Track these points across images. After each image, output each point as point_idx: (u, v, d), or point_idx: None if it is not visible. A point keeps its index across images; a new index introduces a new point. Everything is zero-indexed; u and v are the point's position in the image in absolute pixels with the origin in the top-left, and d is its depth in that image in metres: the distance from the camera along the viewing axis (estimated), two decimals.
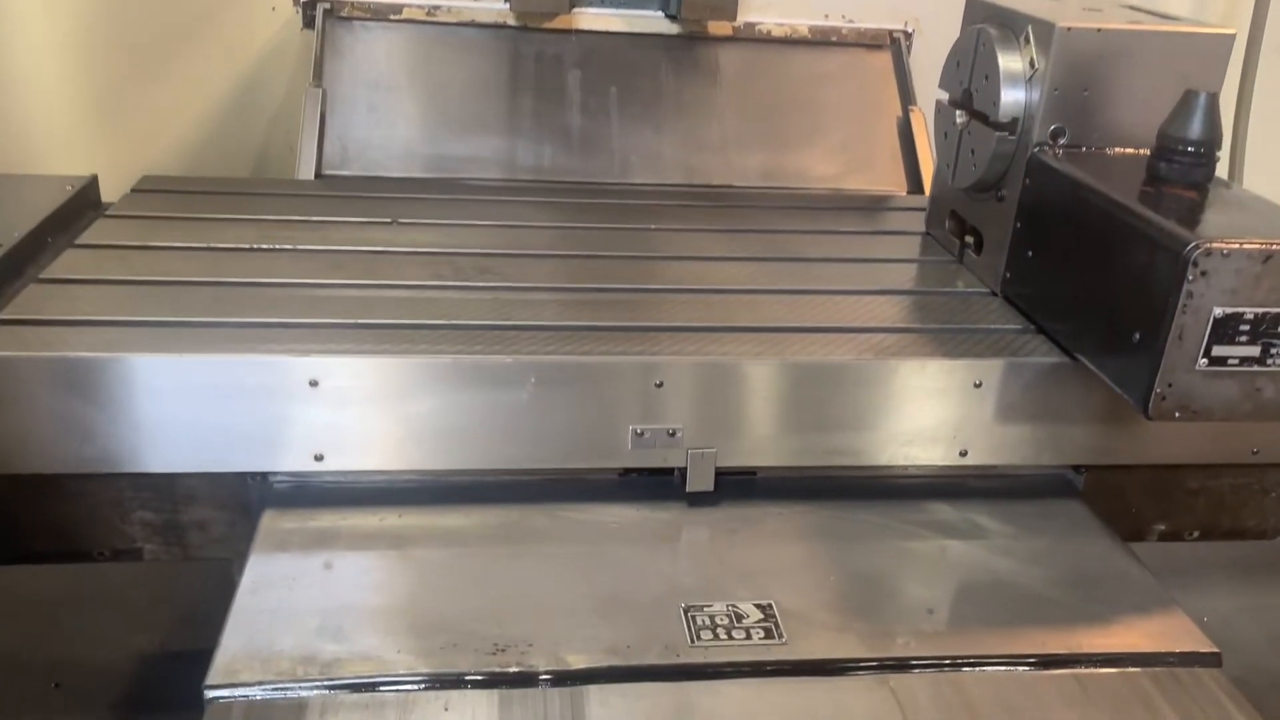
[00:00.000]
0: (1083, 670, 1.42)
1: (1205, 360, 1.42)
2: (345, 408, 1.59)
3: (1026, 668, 1.42)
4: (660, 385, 1.62)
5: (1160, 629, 1.49)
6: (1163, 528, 1.91)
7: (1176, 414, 1.46)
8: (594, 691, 1.34)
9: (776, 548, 1.62)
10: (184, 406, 1.57)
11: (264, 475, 1.69)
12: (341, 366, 1.57)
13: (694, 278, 1.97)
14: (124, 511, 1.70)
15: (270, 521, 1.63)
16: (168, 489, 1.69)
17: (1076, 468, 1.82)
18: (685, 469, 1.67)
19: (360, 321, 1.70)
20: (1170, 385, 1.44)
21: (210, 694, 1.31)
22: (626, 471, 1.75)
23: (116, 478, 1.64)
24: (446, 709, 1.31)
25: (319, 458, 1.61)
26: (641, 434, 1.64)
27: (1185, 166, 1.59)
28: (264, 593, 1.47)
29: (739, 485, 1.74)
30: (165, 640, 2.29)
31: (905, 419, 1.69)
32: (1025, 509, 1.74)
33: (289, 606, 1.45)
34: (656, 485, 1.74)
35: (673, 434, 1.64)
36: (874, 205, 2.54)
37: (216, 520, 1.73)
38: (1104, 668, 1.42)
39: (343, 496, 1.68)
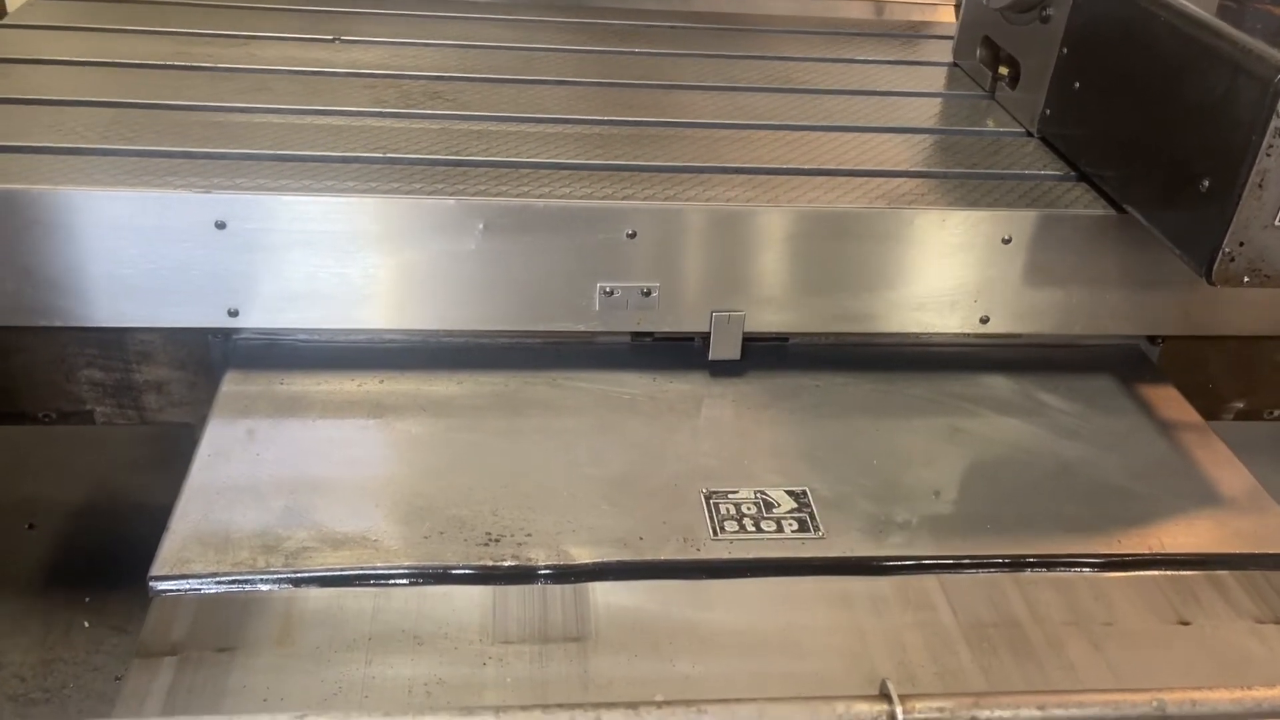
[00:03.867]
0: (1162, 573, 1.23)
1: None
2: (257, 254, 1.36)
3: (1096, 569, 1.23)
4: (633, 235, 1.38)
5: (1253, 527, 1.30)
6: (1241, 405, 1.70)
7: (1245, 278, 1.21)
8: (600, 590, 1.15)
9: (812, 426, 1.42)
10: (117, 250, 1.34)
11: (226, 332, 1.48)
12: (250, 206, 1.33)
13: (678, 109, 1.70)
14: (69, 370, 1.49)
15: (233, 384, 1.42)
16: (117, 345, 1.48)
17: (1152, 339, 1.60)
18: (709, 334, 1.45)
19: (282, 153, 1.44)
20: (1241, 244, 1.18)
21: (156, 586, 1.13)
22: (639, 335, 1.53)
23: (55, 332, 1.43)
24: (431, 607, 1.12)
25: (233, 313, 1.39)
26: (611, 293, 1.41)
27: None
28: (222, 467, 1.28)
29: (768, 353, 1.52)
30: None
31: (918, 280, 1.45)
32: (1093, 384, 1.53)
33: (250, 484, 1.25)
34: (674, 352, 1.53)
35: (647, 293, 1.41)
36: (893, 32, 2.22)
37: (175, 381, 1.53)
38: (1186, 570, 1.23)
39: (317, 358, 1.47)
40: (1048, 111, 1.62)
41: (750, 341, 1.48)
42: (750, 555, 1.20)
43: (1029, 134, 1.68)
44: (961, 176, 1.52)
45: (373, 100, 1.64)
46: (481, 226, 1.35)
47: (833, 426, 1.41)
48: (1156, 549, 1.25)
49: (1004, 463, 1.37)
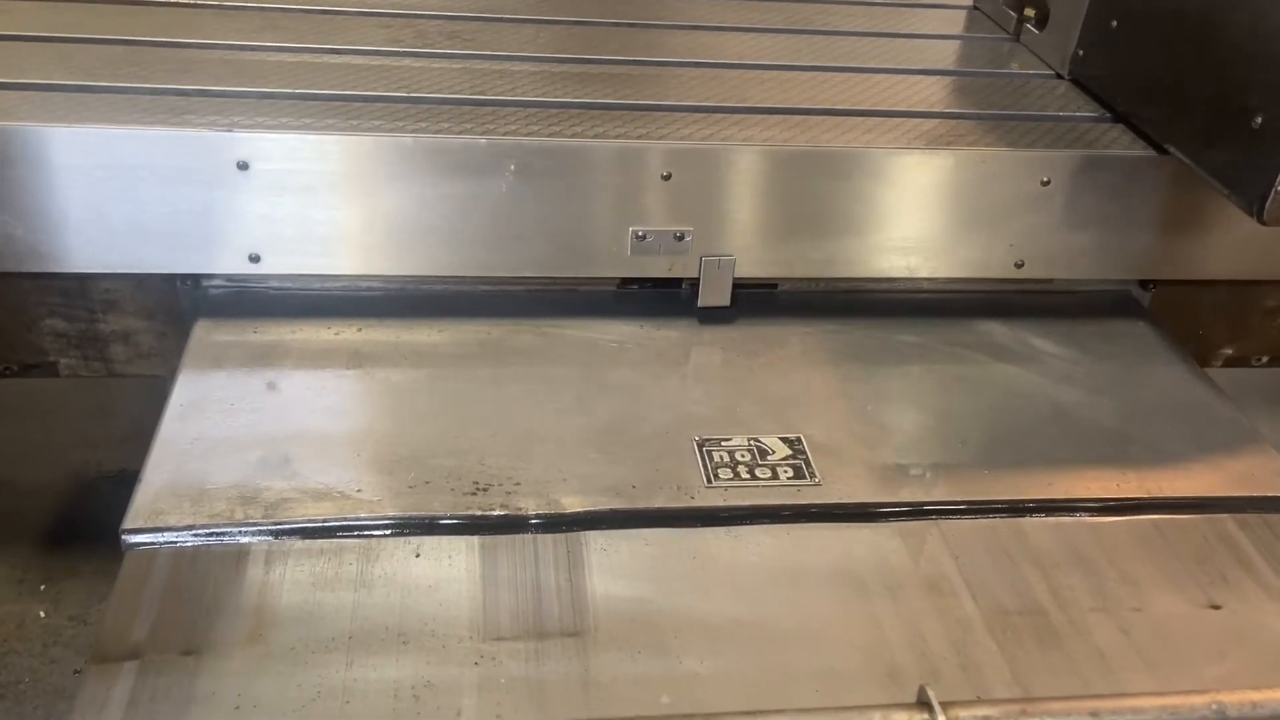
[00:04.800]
0: (1160, 516, 1.21)
1: None
2: (282, 196, 1.30)
3: (1095, 513, 1.21)
4: (668, 178, 1.34)
5: (1247, 469, 1.28)
6: (1229, 351, 1.69)
7: None
8: (593, 539, 1.12)
9: (804, 372, 1.38)
10: (92, 192, 1.28)
11: (195, 279, 1.42)
12: (276, 146, 1.27)
13: (705, 50, 1.66)
14: (30, 319, 1.43)
15: (204, 334, 1.37)
16: (81, 293, 1.42)
17: (1144, 283, 1.58)
18: (697, 280, 1.41)
19: (300, 91, 1.39)
20: None
21: (129, 539, 1.08)
22: (626, 282, 1.49)
23: (15, 278, 1.37)
24: (418, 556, 1.09)
25: (254, 258, 1.34)
26: (644, 237, 1.37)
27: None
28: (195, 418, 1.23)
29: (757, 300, 1.49)
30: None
31: (956, 224, 1.42)
32: (1087, 329, 1.50)
33: (226, 434, 1.21)
34: (661, 299, 1.48)
35: (681, 237, 1.38)
36: None
37: (143, 331, 1.47)
38: (1184, 513, 1.22)
39: (291, 306, 1.42)
40: (1080, 52, 1.58)
41: (739, 289, 1.44)
42: (746, 503, 1.17)
43: (1058, 76, 1.64)
44: (995, 118, 1.49)
45: (389, 40, 1.59)
46: (513, 168, 1.31)
47: (825, 373, 1.38)
48: (1155, 493, 1.23)
49: (1000, 408, 1.35)
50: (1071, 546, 1.16)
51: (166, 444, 1.19)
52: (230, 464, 1.16)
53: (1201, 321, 1.64)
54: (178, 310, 1.44)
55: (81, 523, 1.93)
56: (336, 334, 1.38)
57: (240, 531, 1.09)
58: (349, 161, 1.30)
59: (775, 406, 1.31)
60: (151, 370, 1.50)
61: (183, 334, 1.41)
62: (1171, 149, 1.37)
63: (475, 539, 1.11)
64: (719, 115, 1.43)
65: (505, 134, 1.32)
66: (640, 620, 1.03)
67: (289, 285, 1.44)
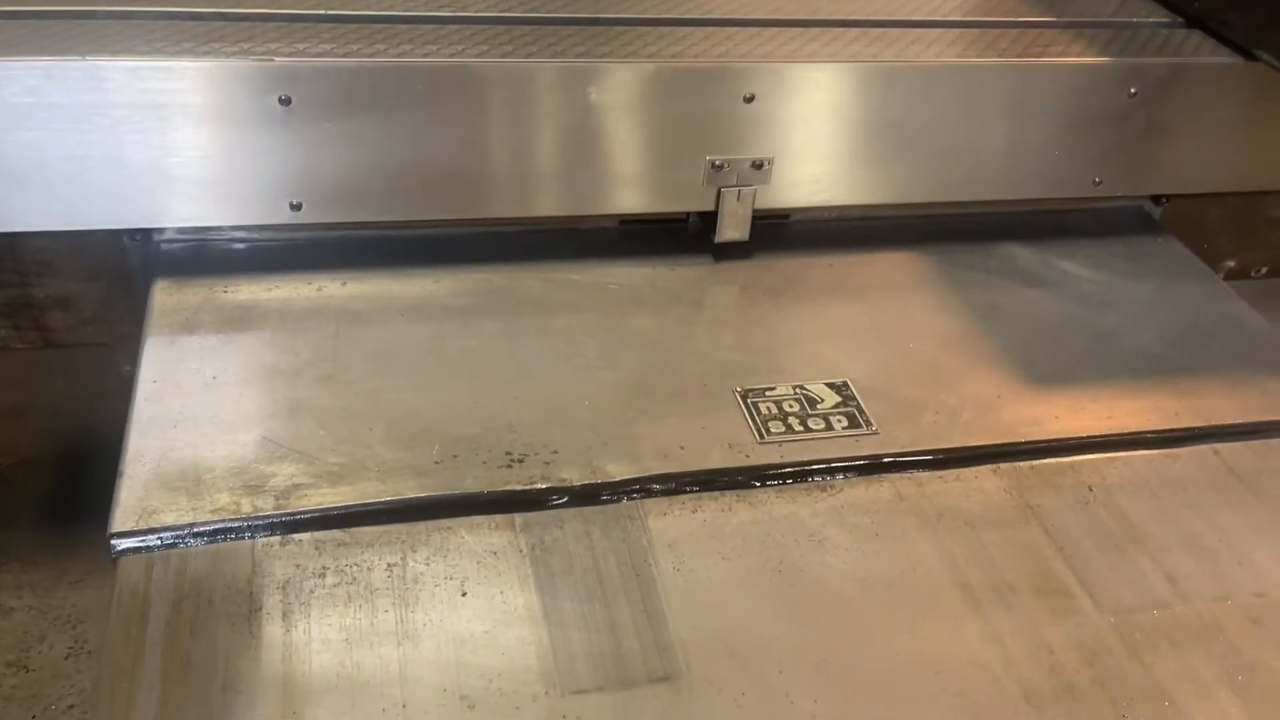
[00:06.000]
0: (1222, 444, 1.16)
1: None
2: (325, 134, 1.14)
3: (1157, 447, 1.15)
4: (750, 100, 1.22)
5: None
6: (1232, 264, 1.66)
7: None
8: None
9: (834, 309, 1.29)
10: (13, 137, 1.09)
11: (145, 233, 1.24)
12: (230, 74, 1.10)
13: None
14: None
15: (165, 296, 1.20)
16: (9, 254, 1.23)
17: (1156, 198, 1.52)
18: (715, 214, 1.29)
19: (332, 13, 1.22)
20: None
21: (119, 545, 0.93)
22: (628, 221, 1.36)
23: None
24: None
25: (295, 206, 1.18)
26: (720, 166, 1.25)
27: None
28: (172, 395, 1.07)
29: (770, 232, 1.38)
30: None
31: (1036, 140, 1.33)
32: (1111, 249, 1.44)
33: (212, 414, 1.05)
34: (668, 236, 1.36)
35: (759, 165, 1.26)
36: None
37: (85, 295, 1.29)
38: (1246, 439, 1.17)
39: (262, 259, 1.26)
40: None
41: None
42: (805, 457, 1.07)
43: None
44: (1068, 25, 1.39)
45: None
46: (594, 93, 1.17)
47: (856, 309, 1.29)
48: (1214, 420, 1.18)
49: (1042, 337, 1.27)
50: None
51: (144, 427, 1.03)
52: (224, 447, 1.02)
53: (1208, 234, 1.60)
54: (126, 270, 1.26)
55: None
56: (319, 289, 1.22)
57: (250, 526, 0.95)
58: (391, 91, 1.15)
59: (812, 348, 1.22)
60: (96, 338, 1.33)
61: (134, 297, 1.24)
62: (1263, 55, 1.29)
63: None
64: (794, 29, 1.30)
65: (575, 55, 1.18)
66: (737, 654, 0.90)
67: (254, 236, 1.27)
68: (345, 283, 1.24)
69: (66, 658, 1.64)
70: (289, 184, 1.16)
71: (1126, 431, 1.15)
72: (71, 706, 1.58)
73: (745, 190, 1.28)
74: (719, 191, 1.28)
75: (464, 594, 0.92)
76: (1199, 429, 1.17)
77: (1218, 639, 0.95)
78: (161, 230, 1.24)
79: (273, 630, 0.88)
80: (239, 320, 1.17)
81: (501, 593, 0.93)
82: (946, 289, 1.34)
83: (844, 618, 0.94)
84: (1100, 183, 1.37)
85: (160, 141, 1.11)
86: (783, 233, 1.40)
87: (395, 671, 0.86)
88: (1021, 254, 1.41)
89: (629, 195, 1.26)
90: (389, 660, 0.86)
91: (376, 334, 1.17)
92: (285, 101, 1.11)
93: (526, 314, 1.22)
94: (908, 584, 0.97)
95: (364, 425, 1.06)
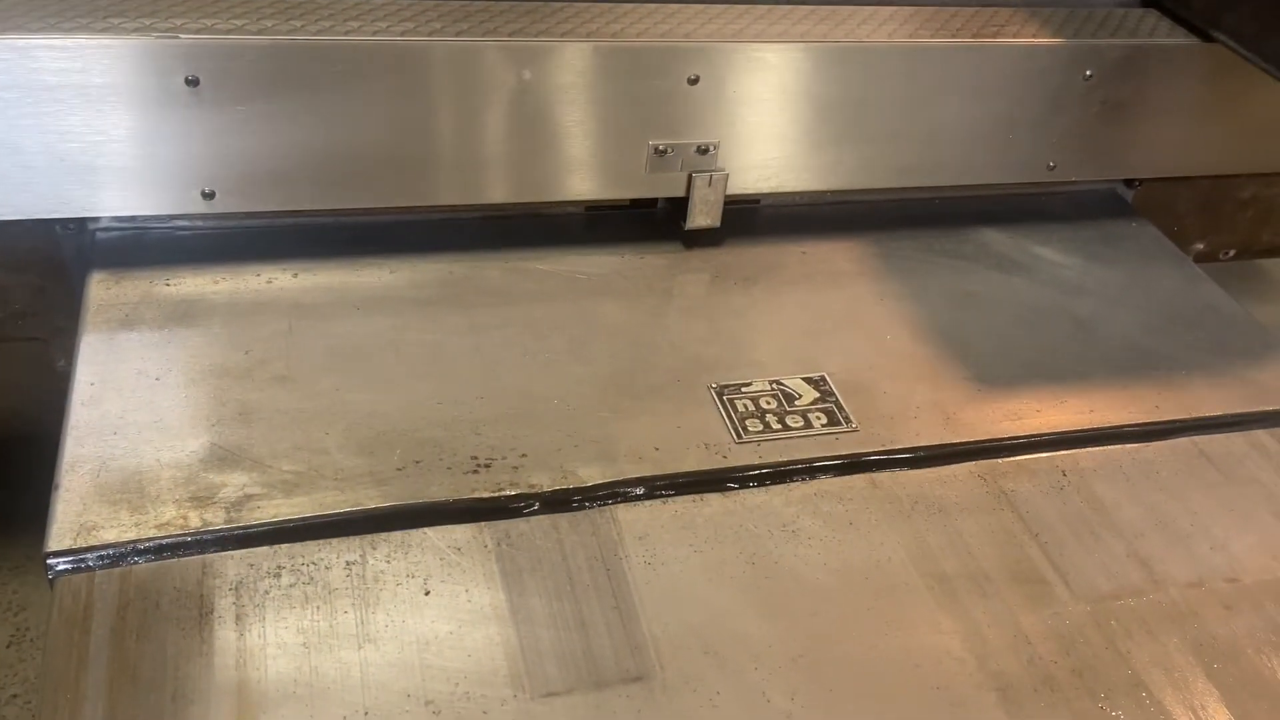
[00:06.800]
0: (1201, 436, 1.14)
1: None
2: (236, 117, 1.06)
3: (1139, 440, 1.13)
4: (695, 81, 1.16)
5: (1271, 379, 1.23)
6: (1201, 246, 1.64)
7: None
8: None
9: (810, 297, 1.25)
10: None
11: (80, 221, 1.16)
12: (131, 52, 1.02)
13: None
14: None
15: (102, 289, 1.12)
16: None
17: (1129, 181, 1.50)
18: (686, 199, 1.24)
19: None
20: None
21: (57, 565, 0.86)
22: (595, 205, 1.31)
23: None
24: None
25: (208, 195, 1.10)
26: (664, 151, 1.19)
27: None
28: (111, 398, 1.00)
29: (742, 218, 1.33)
30: None
31: (989, 123, 1.29)
32: (1085, 233, 1.41)
33: (155, 418, 0.99)
34: (636, 222, 1.31)
35: (704, 150, 1.20)
36: None
37: (14, 287, 1.21)
38: (1226, 431, 1.15)
39: (207, 249, 1.18)
40: None
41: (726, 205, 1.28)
42: (784, 457, 1.03)
43: None
44: (1022, 4, 1.35)
45: None
46: (527, 75, 1.10)
47: (832, 297, 1.25)
48: (1194, 412, 1.16)
49: (1020, 326, 1.24)
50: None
51: (81, 434, 0.96)
52: (169, 454, 0.95)
53: (1178, 217, 1.58)
54: (59, 260, 1.18)
55: None
56: (269, 281, 1.16)
57: (198, 541, 0.89)
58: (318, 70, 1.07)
59: (789, 340, 1.17)
60: (26, 333, 1.24)
61: (68, 289, 1.16)
62: (1220, 37, 1.26)
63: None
64: (741, 7, 1.24)
65: (510, 34, 1.10)
66: (711, 650, 0.87)
67: (199, 224, 1.20)
68: (296, 274, 1.17)
69: (9, 646, 1.57)
70: (199, 171, 1.08)
71: (1108, 425, 1.12)
72: (15, 696, 1.52)
73: (717, 175, 1.23)
74: (690, 177, 1.22)
75: (427, 593, 0.88)
76: (1180, 422, 1.15)
77: (1192, 626, 0.94)
78: (97, 218, 1.16)
79: (226, 635, 0.83)
80: (183, 315, 1.10)
81: (466, 591, 0.88)
82: (923, 275, 1.30)
83: (820, 609, 0.91)
84: (1055, 167, 1.34)
85: (56, 126, 1.03)
86: (754, 218, 1.36)
87: (356, 677, 0.81)
88: (996, 238, 1.38)
89: (569, 181, 1.20)
90: (349, 664, 0.82)
91: (331, 329, 1.11)
92: (192, 82, 1.03)
93: (490, 305, 1.17)
94: (883, 573, 0.95)
95: (320, 429, 0.99)
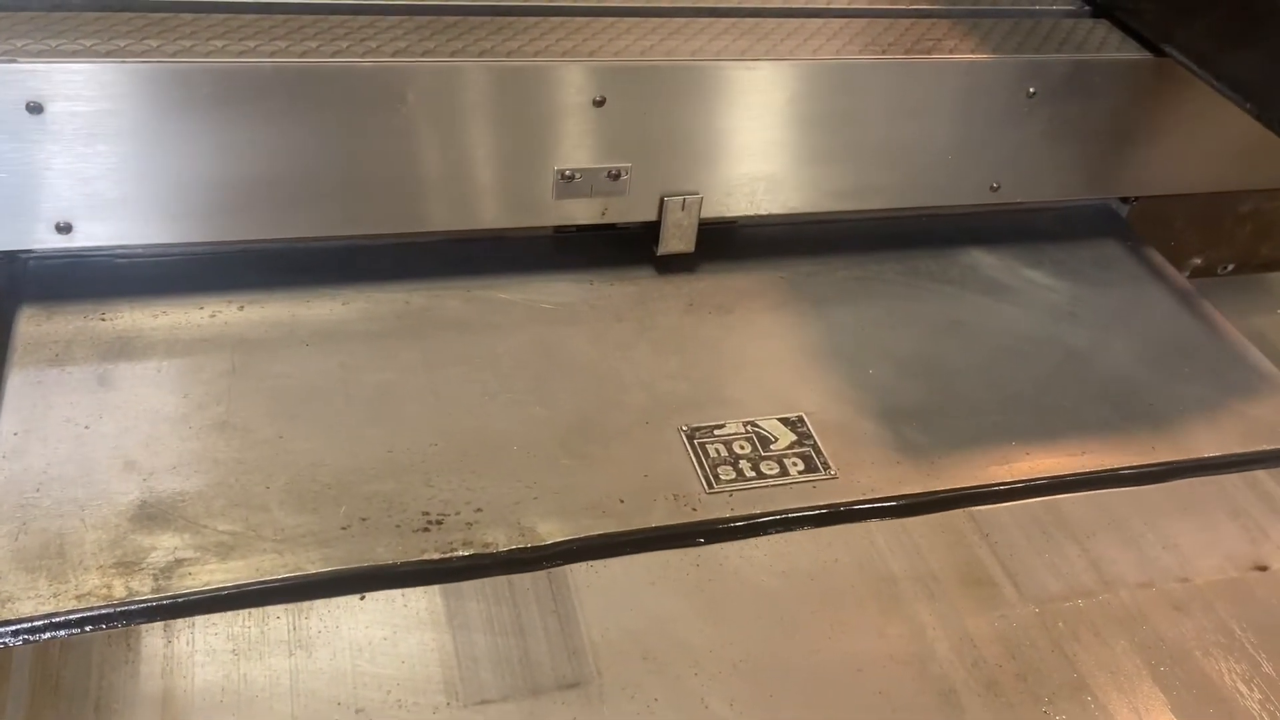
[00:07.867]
0: (1196, 479, 1.09)
1: None
2: (90, 146, 0.97)
3: (1132, 483, 1.07)
4: (600, 103, 1.08)
5: (1268, 415, 1.17)
6: (1199, 261, 1.58)
7: None
8: (581, 574, 0.90)
9: (788, 329, 1.18)
10: None
11: (9, 254, 1.09)
12: (75, 79, 0.94)
13: None
14: None
15: (32, 325, 1.05)
16: None
17: (1125, 198, 1.43)
18: (658, 224, 1.17)
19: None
20: None
21: None
22: (562, 229, 1.24)
23: None
24: (363, 613, 0.85)
25: (63, 228, 1.01)
26: (571, 177, 1.12)
27: None
28: (36, 449, 0.93)
29: (717, 239, 1.26)
30: None
31: (930, 142, 1.21)
32: (1078, 254, 1.35)
33: (83, 472, 0.92)
34: (608, 245, 1.24)
35: (615, 176, 1.13)
36: None
37: None
38: (1224, 472, 1.09)
39: (146, 279, 1.11)
40: None
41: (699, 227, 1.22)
42: (758, 510, 0.97)
43: None
44: (965, 15, 1.27)
45: None
46: (410, 97, 1.01)
47: (811, 328, 1.18)
48: (1190, 454, 1.10)
49: (1008, 359, 1.18)
50: (1111, 516, 1.02)
51: (1, 493, 0.89)
52: (95, 513, 0.89)
53: (1175, 232, 1.52)
54: None
55: None
56: (213, 315, 1.09)
57: (125, 611, 0.83)
58: (177, 97, 0.97)
59: (764, 375, 1.11)
60: None
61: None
62: (1171, 51, 1.19)
63: (436, 589, 0.87)
64: (655, 20, 1.16)
65: (394, 54, 1.01)
66: (651, 655, 0.84)
67: (139, 252, 1.13)
68: (243, 306, 1.10)
69: None
70: (49, 204, 0.99)
71: (1102, 469, 1.07)
72: None
73: (691, 199, 1.16)
74: (662, 200, 1.15)
75: (362, 597, 0.85)
76: (1178, 463, 1.09)
77: (1140, 628, 0.91)
78: (30, 251, 1.09)
79: (152, 642, 0.80)
80: (118, 353, 1.03)
81: (403, 594, 0.86)
82: (906, 301, 1.24)
83: (764, 612, 0.88)
84: (998, 188, 1.26)
85: None
86: (730, 240, 1.29)
87: (286, 685, 0.79)
88: (985, 260, 1.32)
89: (474, 209, 1.11)
90: (279, 672, 0.79)
91: (277, 368, 1.04)
92: (35, 109, 0.94)
93: (448, 340, 1.10)
94: (830, 576, 0.92)
95: (260, 482, 0.93)
